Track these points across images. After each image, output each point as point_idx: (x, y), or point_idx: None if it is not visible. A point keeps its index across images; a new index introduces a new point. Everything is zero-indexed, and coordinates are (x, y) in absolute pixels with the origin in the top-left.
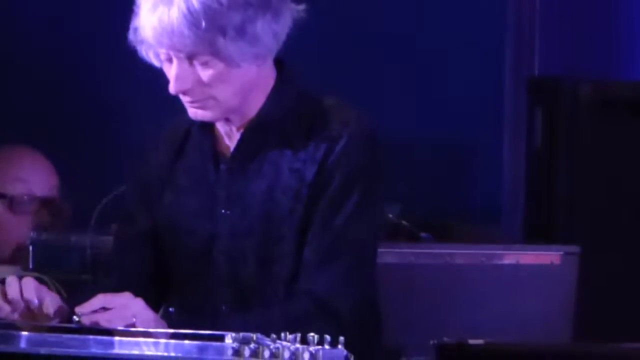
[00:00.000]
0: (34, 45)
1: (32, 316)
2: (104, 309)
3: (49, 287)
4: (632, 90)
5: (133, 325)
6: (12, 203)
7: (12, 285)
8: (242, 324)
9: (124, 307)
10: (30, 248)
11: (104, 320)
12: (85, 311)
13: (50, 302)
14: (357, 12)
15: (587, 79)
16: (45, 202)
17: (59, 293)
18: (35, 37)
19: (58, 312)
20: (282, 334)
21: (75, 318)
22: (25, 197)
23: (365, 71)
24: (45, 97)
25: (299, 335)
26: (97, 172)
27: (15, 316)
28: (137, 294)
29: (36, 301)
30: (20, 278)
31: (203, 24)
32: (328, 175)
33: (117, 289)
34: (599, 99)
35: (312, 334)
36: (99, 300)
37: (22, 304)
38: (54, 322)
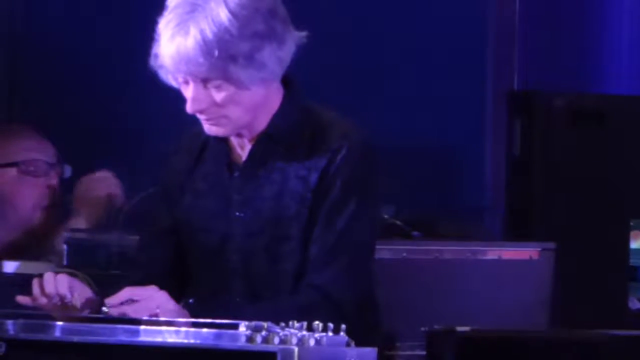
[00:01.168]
0: (64, 50)
1: (64, 308)
2: (131, 300)
3: (81, 282)
4: (600, 102)
5: (157, 316)
6: (22, 168)
7: (48, 281)
8: (254, 314)
9: (149, 298)
10: (65, 247)
11: (131, 311)
12: (114, 303)
13: (81, 295)
14: (346, 25)
15: (560, 92)
16: (51, 166)
17: (89, 286)
18: (65, 41)
19: (88, 304)
20: (290, 323)
21: (105, 309)
22: (34, 161)
23: (361, 84)
24: (76, 101)
25: (305, 323)
26: (124, 177)
27: (50, 307)
28: (160, 286)
29: (69, 295)
30: (55, 274)
31: (216, 52)
32: (330, 182)
33: (142, 282)
34: (570, 111)
35: (317, 322)
36: (126, 292)
37: (57, 298)
38: (85, 313)
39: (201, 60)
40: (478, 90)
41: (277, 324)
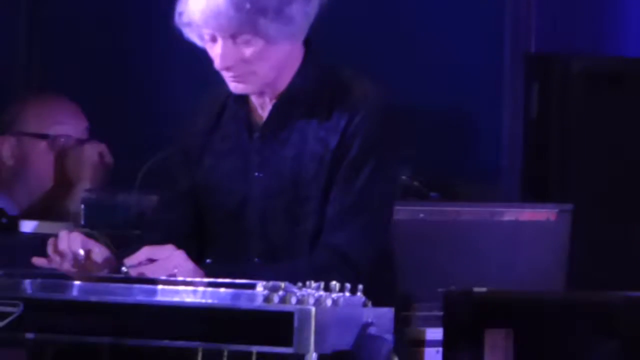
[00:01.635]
0: (85, 17)
1: (79, 267)
2: (149, 260)
3: (98, 242)
4: (617, 64)
5: (174, 275)
6: (52, 142)
7: (62, 239)
8: (272, 274)
9: (167, 258)
10: (82, 206)
11: (148, 271)
12: (132, 263)
13: (98, 253)
14: None
15: (578, 55)
16: (80, 142)
17: (107, 247)
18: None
19: (106, 263)
20: (307, 283)
21: (124, 269)
22: (65, 136)
23: (378, 47)
24: (95, 61)
25: (322, 283)
26: (143, 136)
27: (65, 266)
28: (178, 247)
29: (82, 253)
30: (70, 233)
31: (247, 5)
32: (348, 142)
33: (160, 242)
34: (588, 73)
35: (334, 282)
36: (144, 252)
37: (70, 256)
38: (103, 273)
39: (232, 13)
40: (495, 52)
41: (295, 283)
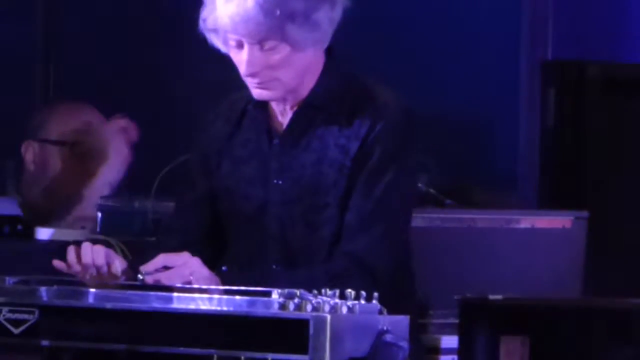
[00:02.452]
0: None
1: (99, 278)
2: (165, 267)
3: (114, 249)
4: (633, 71)
5: (190, 283)
6: (73, 149)
7: (86, 251)
8: (288, 281)
9: (182, 266)
10: (99, 214)
11: (164, 278)
12: (148, 270)
13: (118, 266)
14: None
15: (594, 62)
16: (101, 151)
17: (123, 254)
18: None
19: (123, 274)
20: (323, 290)
21: (140, 276)
22: (86, 144)
23: (396, 55)
24: (112, 69)
25: (337, 291)
26: (159, 143)
27: (87, 277)
28: (195, 253)
29: (106, 267)
30: (91, 242)
31: (277, 11)
32: (369, 150)
33: (177, 248)
34: (604, 79)
35: (349, 290)
36: (160, 259)
37: (93, 269)
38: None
39: (262, 19)
40: (512, 59)
41: (311, 291)
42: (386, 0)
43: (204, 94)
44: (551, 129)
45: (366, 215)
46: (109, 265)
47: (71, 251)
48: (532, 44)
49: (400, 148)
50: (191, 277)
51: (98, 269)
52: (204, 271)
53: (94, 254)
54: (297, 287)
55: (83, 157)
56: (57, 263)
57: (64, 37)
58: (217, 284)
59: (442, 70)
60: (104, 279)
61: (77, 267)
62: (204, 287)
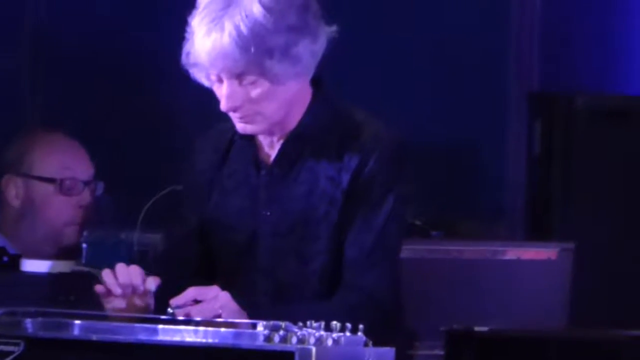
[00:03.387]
0: (92, 46)
1: (134, 299)
2: (195, 301)
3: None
4: (620, 102)
5: (220, 316)
6: (61, 187)
7: (122, 272)
8: (309, 314)
9: (213, 299)
10: (84, 245)
11: (195, 312)
12: (179, 303)
13: (152, 282)
14: (370, 25)
15: (581, 93)
16: (87, 184)
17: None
18: (92, 38)
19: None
20: (308, 322)
21: (170, 310)
22: (71, 181)
23: (383, 84)
24: (97, 99)
25: (323, 323)
26: (144, 175)
27: (118, 302)
28: (187, 285)
29: (142, 286)
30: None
31: (252, 48)
32: (365, 184)
33: (171, 280)
34: (591, 111)
35: (334, 322)
36: (190, 292)
37: (129, 288)
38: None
39: (237, 56)
40: (499, 90)
41: (304, 324)
42: (375, 30)
43: (189, 127)
44: (538, 160)
45: (369, 249)
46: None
47: (108, 274)
48: (519, 76)
49: (395, 179)
50: (221, 311)
51: (135, 288)
52: (234, 305)
53: (130, 273)
54: (316, 321)
55: (70, 192)
56: (98, 288)
57: (48, 67)
58: (244, 318)
59: (429, 101)
60: (136, 302)
61: (117, 289)
62: (234, 320)
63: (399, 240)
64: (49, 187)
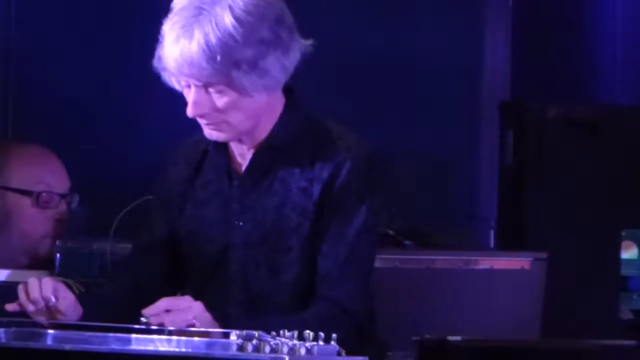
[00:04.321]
0: (63, 60)
1: (51, 313)
2: (167, 311)
3: (72, 290)
4: (593, 112)
5: (193, 326)
6: (37, 200)
7: (33, 287)
8: (284, 326)
9: (186, 309)
10: (57, 255)
11: (168, 321)
12: (152, 313)
13: (64, 300)
14: (343, 35)
15: (553, 102)
16: (63, 197)
17: (73, 291)
18: (62, 49)
19: (72, 309)
20: (281, 332)
21: (143, 319)
22: (48, 194)
23: (354, 95)
24: (70, 109)
25: (296, 332)
26: (117, 185)
27: (38, 314)
28: (144, 295)
29: (53, 299)
30: (40, 279)
31: (219, 58)
32: (337, 196)
33: (129, 289)
34: (563, 120)
35: (307, 331)
36: (163, 302)
37: (41, 303)
38: (72, 320)
39: (204, 64)
40: (471, 100)
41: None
42: (349, 40)
43: (163, 137)
44: (510, 169)
45: (342, 261)
46: (57, 297)
47: (21, 290)
48: (491, 86)
49: (367, 190)
50: (194, 321)
51: (46, 301)
52: (207, 315)
53: (41, 287)
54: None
55: (47, 205)
56: (9, 306)
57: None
58: (217, 328)
59: (402, 110)
60: (53, 315)
61: (28, 306)
62: (206, 330)
63: (371, 252)
64: (26, 200)
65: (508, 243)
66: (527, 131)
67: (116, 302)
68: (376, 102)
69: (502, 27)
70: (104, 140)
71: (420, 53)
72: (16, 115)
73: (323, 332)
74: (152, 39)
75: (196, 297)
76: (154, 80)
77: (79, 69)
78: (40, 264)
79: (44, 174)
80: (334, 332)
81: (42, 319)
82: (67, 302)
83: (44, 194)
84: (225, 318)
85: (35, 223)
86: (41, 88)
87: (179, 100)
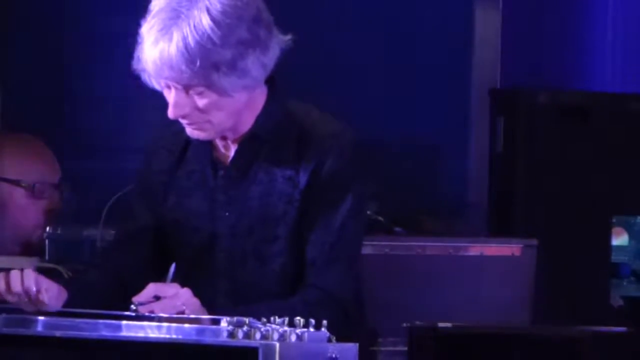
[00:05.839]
0: (49, 45)
1: (32, 304)
2: (156, 297)
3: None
4: (583, 99)
5: (183, 313)
6: (29, 189)
7: (14, 278)
8: (271, 312)
9: (174, 296)
10: (47, 242)
11: (158, 308)
12: (141, 300)
13: (48, 291)
14: (329, 22)
15: (544, 89)
16: (56, 187)
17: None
18: (50, 33)
19: (54, 299)
20: (272, 318)
21: (133, 306)
22: (41, 184)
23: (345, 81)
24: (60, 97)
25: (286, 319)
26: (108, 172)
27: (22, 304)
28: (133, 282)
29: (34, 289)
30: (39, 270)
31: (198, 62)
32: (323, 183)
33: (115, 278)
34: (553, 107)
35: (298, 318)
36: (151, 289)
37: (23, 295)
38: (56, 308)
39: (183, 68)
40: (461, 86)
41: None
42: (336, 27)
43: (153, 124)
44: (500, 156)
45: (329, 249)
46: (39, 289)
47: (1, 279)
48: (481, 72)
49: (353, 178)
50: (184, 307)
51: (27, 292)
52: (196, 301)
53: (23, 279)
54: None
55: (40, 196)
56: None
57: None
58: (205, 314)
59: (391, 97)
60: (37, 305)
61: (9, 297)
62: (196, 317)
63: (359, 239)
64: (20, 190)
65: (498, 230)
66: (518, 118)
67: (101, 289)
68: (366, 88)
69: (492, 13)
70: (94, 128)
71: (409, 39)
72: (6, 104)
73: (311, 317)
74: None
75: (182, 284)
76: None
77: (68, 57)
78: (32, 251)
79: (37, 165)
80: (322, 318)
81: (27, 308)
82: (50, 293)
83: (38, 185)
84: (211, 307)
85: (28, 213)
86: (30, 77)
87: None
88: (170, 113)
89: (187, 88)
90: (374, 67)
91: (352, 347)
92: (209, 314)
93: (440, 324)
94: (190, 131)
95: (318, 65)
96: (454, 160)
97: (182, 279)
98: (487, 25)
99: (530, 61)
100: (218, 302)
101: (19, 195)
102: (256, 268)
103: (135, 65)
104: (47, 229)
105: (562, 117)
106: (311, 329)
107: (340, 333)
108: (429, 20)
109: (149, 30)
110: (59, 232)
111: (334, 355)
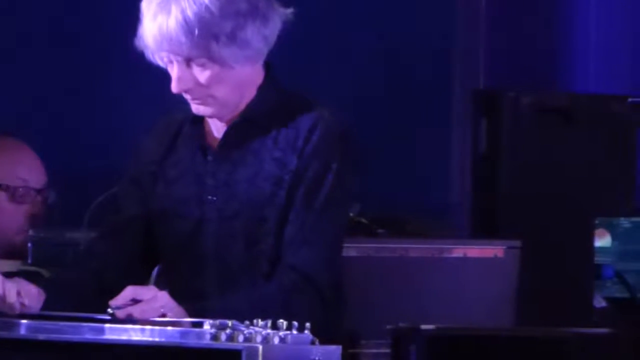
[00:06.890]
0: (33, 42)
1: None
2: (134, 300)
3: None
4: (566, 100)
5: (164, 316)
6: (13, 195)
7: None
8: (248, 302)
9: (152, 299)
10: (29, 245)
11: (137, 312)
12: (118, 304)
13: (9, 293)
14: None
15: (527, 90)
16: (39, 192)
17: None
18: (35, 32)
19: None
20: (255, 321)
21: (110, 310)
22: (24, 189)
23: (325, 81)
24: (42, 96)
25: (269, 321)
26: (91, 174)
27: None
28: (111, 276)
29: (18, 306)
30: (23, 274)
31: (196, 31)
32: (306, 162)
33: (95, 274)
34: (537, 108)
35: (281, 320)
36: (129, 292)
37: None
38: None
39: (183, 39)
40: (445, 87)
41: (260, 312)
42: (320, 27)
43: (138, 125)
44: (483, 157)
45: (308, 227)
46: (22, 300)
47: None
48: (464, 73)
49: (337, 159)
50: (163, 310)
51: (11, 309)
52: (174, 304)
53: (5, 294)
54: (257, 308)
55: (23, 200)
56: None
57: None
58: (184, 317)
59: (374, 97)
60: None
61: None
62: (176, 319)
63: (338, 224)
64: (1, 194)
65: (481, 231)
66: (501, 119)
67: (79, 289)
68: (348, 88)
69: (475, 14)
70: (79, 129)
71: (392, 39)
72: None
73: (286, 304)
74: (123, 30)
75: (169, 274)
76: (131, 71)
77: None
78: (15, 254)
79: (21, 169)
80: (298, 305)
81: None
82: (29, 299)
83: (20, 189)
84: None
85: (10, 218)
86: (12, 80)
87: (155, 93)
88: (174, 87)
89: (188, 60)
90: (357, 67)
91: (335, 350)
92: (189, 310)
93: (424, 326)
94: (195, 107)
95: (302, 66)
96: (437, 161)
97: (168, 267)
98: (469, 27)
99: (512, 62)
100: (207, 291)
101: (1, 199)
102: (244, 250)
103: (137, 42)
104: (30, 232)
105: (545, 119)
106: (294, 332)
107: (316, 319)
108: (411, 21)
109: (148, 5)
110: (42, 235)
111: (317, 358)
